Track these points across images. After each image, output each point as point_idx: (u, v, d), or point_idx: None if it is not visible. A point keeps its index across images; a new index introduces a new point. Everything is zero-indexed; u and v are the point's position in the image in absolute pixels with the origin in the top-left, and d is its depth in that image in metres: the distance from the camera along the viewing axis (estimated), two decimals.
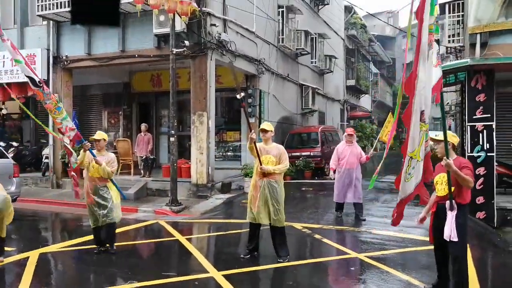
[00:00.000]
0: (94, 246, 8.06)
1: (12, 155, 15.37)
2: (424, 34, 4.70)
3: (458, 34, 15.22)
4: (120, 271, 7.24)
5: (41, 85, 7.43)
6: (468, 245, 7.24)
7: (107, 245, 8.01)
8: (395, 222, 5.87)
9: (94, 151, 7.86)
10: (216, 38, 14.24)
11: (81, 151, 7.72)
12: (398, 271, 6.76)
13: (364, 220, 10.55)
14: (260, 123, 16.67)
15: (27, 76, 7.36)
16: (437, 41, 5.06)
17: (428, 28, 4.70)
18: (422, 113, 4.97)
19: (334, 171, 10.97)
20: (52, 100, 7.52)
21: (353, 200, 10.64)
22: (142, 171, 15.75)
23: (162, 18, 13.23)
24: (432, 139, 5.75)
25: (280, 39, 19.94)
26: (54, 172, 16.08)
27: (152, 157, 16.18)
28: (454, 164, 5.23)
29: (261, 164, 7.23)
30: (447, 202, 5.37)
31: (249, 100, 16.84)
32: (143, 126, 16.20)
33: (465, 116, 11.50)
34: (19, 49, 15.92)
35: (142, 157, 15.76)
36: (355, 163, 10.60)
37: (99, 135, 8.03)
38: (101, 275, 7.05)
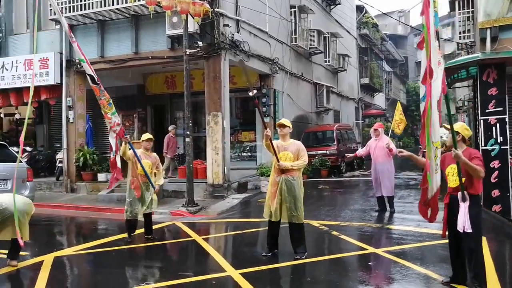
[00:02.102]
0: (125, 235, 8.93)
1: (26, 159, 15.37)
2: (432, 28, 4.75)
3: (469, 30, 15.23)
4: (136, 272, 7.16)
5: (99, 82, 8.27)
6: (485, 238, 7.10)
7: (150, 236, 8.92)
8: (432, 218, 5.58)
9: (141, 150, 8.75)
10: (229, 38, 14.18)
11: (123, 144, 8.45)
12: (416, 265, 6.65)
13: (394, 211, 10.78)
14: (275, 122, 16.58)
15: (88, 74, 8.21)
16: (437, 33, 5.05)
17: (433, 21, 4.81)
18: (438, 102, 5.02)
19: (356, 156, 12.25)
20: (106, 96, 8.36)
21: (385, 194, 10.94)
22: (170, 172, 15.99)
23: (175, 19, 13.16)
24: (445, 127, 5.66)
25: (293, 38, 19.95)
26: (69, 177, 16.06)
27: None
28: (464, 155, 5.19)
29: (278, 161, 7.12)
30: (459, 194, 5.29)
31: (264, 100, 16.77)
32: (174, 128, 16.29)
33: (477, 110, 11.52)
34: (31, 53, 16.15)
35: (175, 157, 15.91)
36: (381, 156, 10.85)
37: (146, 136, 8.97)
38: (117, 276, 6.93)
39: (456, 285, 5.67)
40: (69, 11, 14.74)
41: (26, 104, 17.28)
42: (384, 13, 28.38)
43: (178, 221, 11.06)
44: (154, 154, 9.11)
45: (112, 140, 8.63)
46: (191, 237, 9.24)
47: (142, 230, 9.07)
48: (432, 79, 4.80)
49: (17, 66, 16.08)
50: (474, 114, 14.48)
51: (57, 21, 15.41)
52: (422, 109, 5.10)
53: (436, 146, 5.09)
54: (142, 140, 8.84)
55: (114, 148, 8.58)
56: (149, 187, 8.73)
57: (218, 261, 7.27)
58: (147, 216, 8.87)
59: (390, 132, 14.20)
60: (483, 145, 10.96)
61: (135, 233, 9.00)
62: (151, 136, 8.95)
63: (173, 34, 13.63)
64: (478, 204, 5.43)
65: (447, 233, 5.70)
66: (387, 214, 10.83)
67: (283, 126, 7.35)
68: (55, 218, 12.39)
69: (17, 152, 14.04)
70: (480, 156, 5.36)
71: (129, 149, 8.50)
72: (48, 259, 7.61)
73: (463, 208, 5.24)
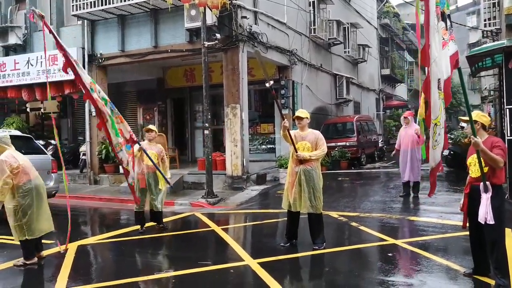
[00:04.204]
0: (138, 227, 9.09)
1: (51, 153, 15.71)
2: (432, 7, 4.80)
3: (494, 17, 14.94)
4: (156, 261, 7.34)
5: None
6: (510, 230, 7.02)
7: (161, 225, 9.20)
8: (430, 193, 6.04)
9: (145, 142, 9.04)
10: (247, 30, 14.24)
11: (135, 150, 8.54)
12: (437, 256, 6.60)
13: (417, 197, 11.17)
14: (294, 114, 16.64)
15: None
16: (449, 16, 5.09)
17: (435, 1, 4.85)
18: (438, 81, 5.07)
19: (397, 151, 12.02)
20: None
21: (411, 179, 11.44)
22: None
23: (193, 12, 13.27)
24: (462, 120, 5.65)
25: (312, 29, 19.88)
26: (92, 169, 16.38)
27: None
28: (486, 143, 5.14)
29: (296, 151, 7.14)
30: (481, 184, 5.19)
31: (282, 92, 16.82)
32: None
33: (503, 99, 11.19)
34: (55, 49, 16.42)
35: None
36: (410, 143, 11.41)
37: (152, 126, 9.29)
38: (138, 265, 7.16)
39: (478, 277, 5.63)
40: (91, 7, 14.96)
41: (51, 98, 17.71)
42: (406, 2, 28.06)
43: (198, 212, 11.22)
44: (159, 146, 9.30)
45: (123, 154, 8.28)
46: (210, 227, 9.39)
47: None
48: (431, 59, 4.89)
49: (41, 62, 16.41)
50: (500, 103, 14.20)
51: (79, 17, 15.67)
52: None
53: (435, 123, 5.20)
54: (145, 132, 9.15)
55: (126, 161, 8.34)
56: (156, 179, 8.93)
57: (236, 250, 7.38)
58: (157, 213, 9.12)
59: (418, 119, 14.24)
60: (509, 135, 10.62)
61: (146, 225, 9.17)
62: (150, 127, 9.22)
63: (191, 27, 13.73)
64: (501, 195, 5.37)
65: (467, 224, 5.64)
66: (409, 205, 10.87)
67: (300, 118, 7.33)
68: (79, 209, 12.65)
69: (43, 145, 14.43)
70: (502, 145, 5.25)
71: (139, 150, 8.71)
72: (72, 247, 7.83)
73: (485, 199, 5.14)
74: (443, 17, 4.96)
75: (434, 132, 5.27)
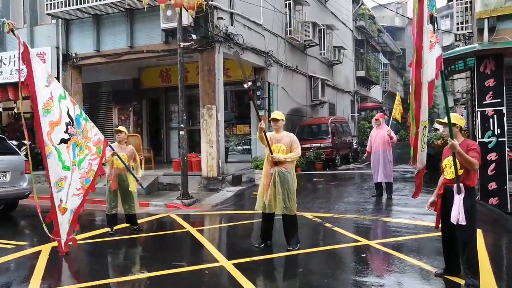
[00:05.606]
0: (108, 229, 8.94)
1: (24, 153, 15.49)
2: (425, 8, 4.85)
3: (467, 21, 15.11)
4: (131, 262, 7.34)
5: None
6: (481, 230, 7.15)
7: (135, 227, 9.10)
8: (415, 194, 6.14)
9: (116, 144, 8.83)
10: (223, 31, 14.27)
11: (110, 155, 8.38)
12: (409, 257, 6.69)
13: (390, 198, 11.35)
14: (269, 116, 16.72)
15: None
16: (436, 19, 5.16)
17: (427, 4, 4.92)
18: (429, 84, 5.16)
19: (369, 153, 12.00)
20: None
21: (383, 180, 11.57)
22: None
23: (169, 13, 13.27)
24: (439, 122, 5.73)
25: (288, 31, 19.96)
26: None
27: None
28: (461, 146, 5.21)
29: (271, 153, 7.19)
30: (455, 185, 5.28)
31: (258, 93, 16.84)
32: None
33: (475, 102, 11.38)
34: (29, 47, 16.25)
35: None
36: (381, 144, 11.51)
37: (121, 128, 9.17)
38: (112, 266, 7.13)
39: (449, 277, 5.71)
40: (65, 6, 14.82)
41: (25, 98, 17.47)
42: (381, 5, 28.51)
43: (173, 213, 11.21)
44: (130, 146, 9.22)
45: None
46: (185, 228, 9.39)
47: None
48: (424, 61, 4.95)
49: (15, 61, 16.20)
50: (472, 106, 14.42)
51: (54, 16, 15.50)
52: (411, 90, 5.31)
53: (424, 125, 5.29)
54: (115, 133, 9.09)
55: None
56: (127, 182, 8.79)
57: (211, 252, 7.39)
58: (131, 216, 9.07)
59: (391, 121, 14.46)
60: (480, 137, 10.80)
61: (120, 227, 9.15)
62: (120, 128, 9.14)
63: (167, 28, 13.73)
64: (473, 196, 5.46)
65: (440, 224, 5.73)
66: (382, 206, 10.97)
67: (276, 120, 7.37)
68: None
69: (16, 146, 14.25)
70: (477, 148, 5.33)
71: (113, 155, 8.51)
72: (46, 249, 7.76)
73: (458, 200, 5.22)
74: (432, 19, 5.02)
75: (423, 135, 5.36)
